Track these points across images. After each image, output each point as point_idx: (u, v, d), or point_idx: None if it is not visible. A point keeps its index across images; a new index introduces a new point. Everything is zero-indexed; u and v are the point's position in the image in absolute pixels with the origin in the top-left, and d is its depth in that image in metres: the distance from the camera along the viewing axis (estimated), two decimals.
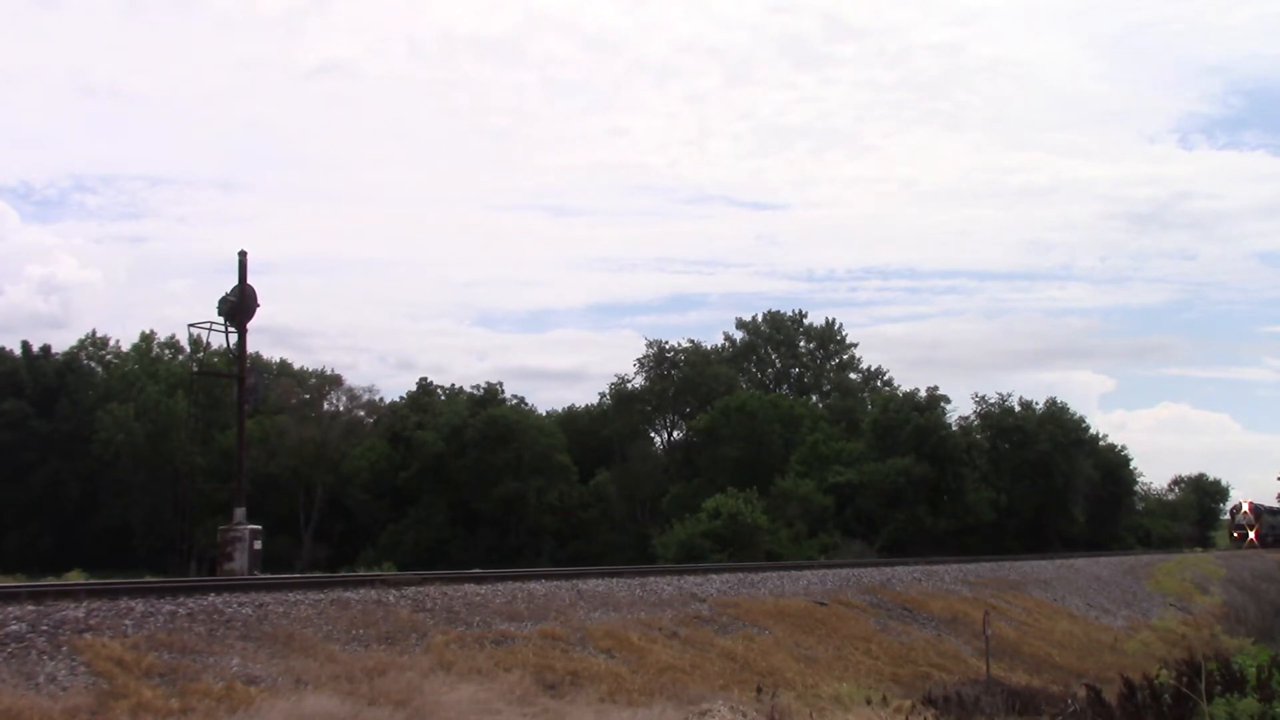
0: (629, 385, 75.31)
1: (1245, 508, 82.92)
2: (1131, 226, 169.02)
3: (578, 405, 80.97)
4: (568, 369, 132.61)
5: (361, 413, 73.55)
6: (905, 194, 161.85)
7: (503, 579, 19.08)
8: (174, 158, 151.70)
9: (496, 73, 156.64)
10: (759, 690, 13.83)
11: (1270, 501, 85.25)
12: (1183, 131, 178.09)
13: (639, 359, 76.21)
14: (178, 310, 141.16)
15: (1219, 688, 10.91)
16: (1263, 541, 77.63)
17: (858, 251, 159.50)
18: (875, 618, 22.91)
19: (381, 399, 76.22)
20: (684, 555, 43.24)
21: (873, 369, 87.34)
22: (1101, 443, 70.74)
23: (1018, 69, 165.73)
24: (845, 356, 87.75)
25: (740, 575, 24.51)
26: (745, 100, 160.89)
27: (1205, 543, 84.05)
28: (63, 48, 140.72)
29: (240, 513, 24.62)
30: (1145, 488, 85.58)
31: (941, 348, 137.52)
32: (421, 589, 16.75)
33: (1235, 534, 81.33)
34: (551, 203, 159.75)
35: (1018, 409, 65.06)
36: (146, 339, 78.64)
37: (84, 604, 12.51)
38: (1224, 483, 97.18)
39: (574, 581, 19.81)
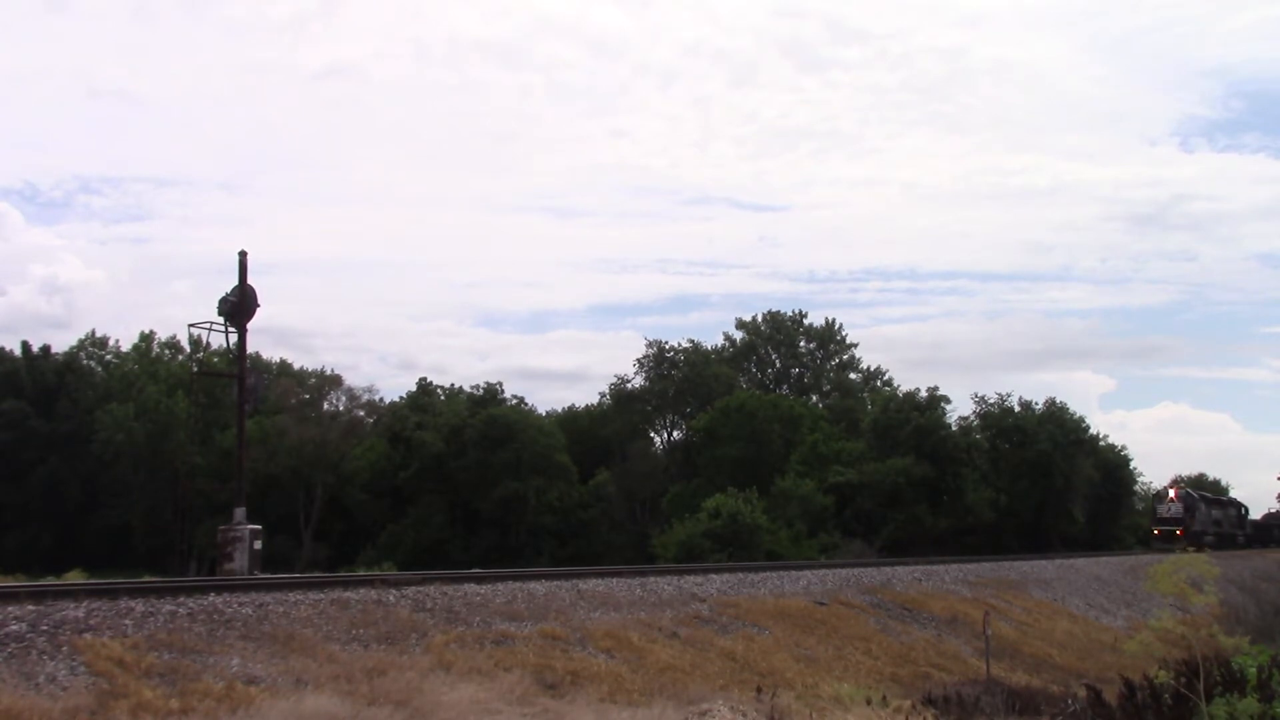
0: (629, 385, 75.38)
1: (1171, 494, 62.56)
2: (1132, 228, 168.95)
3: (578, 405, 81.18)
4: (568, 369, 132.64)
5: (361, 413, 73.57)
6: (907, 196, 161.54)
7: (503, 579, 19.09)
8: (179, 160, 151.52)
9: (501, 76, 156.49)
10: (759, 690, 13.83)
11: (1264, 500, 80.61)
12: (1183, 134, 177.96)
13: (639, 359, 76.25)
14: (180, 311, 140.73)
15: (1219, 688, 10.92)
16: (1195, 540, 56.61)
17: (859, 253, 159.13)
18: (875, 618, 22.92)
19: (381, 399, 76.30)
20: (684, 555, 43.19)
21: (873, 369, 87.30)
22: (1101, 443, 70.58)
23: (1020, 72, 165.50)
24: (845, 356, 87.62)
25: (740, 575, 24.51)
26: (748, 103, 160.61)
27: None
28: (70, 50, 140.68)
29: (240, 513, 24.59)
30: (1145, 488, 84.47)
31: (942, 348, 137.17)
32: (421, 589, 16.75)
33: (1156, 530, 61.03)
34: (554, 204, 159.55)
35: (1018, 409, 64.97)
36: (146, 339, 78.66)
37: (84, 604, 12.52)
38: (1224, 483, 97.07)
39: (574, 581, 19.82)
